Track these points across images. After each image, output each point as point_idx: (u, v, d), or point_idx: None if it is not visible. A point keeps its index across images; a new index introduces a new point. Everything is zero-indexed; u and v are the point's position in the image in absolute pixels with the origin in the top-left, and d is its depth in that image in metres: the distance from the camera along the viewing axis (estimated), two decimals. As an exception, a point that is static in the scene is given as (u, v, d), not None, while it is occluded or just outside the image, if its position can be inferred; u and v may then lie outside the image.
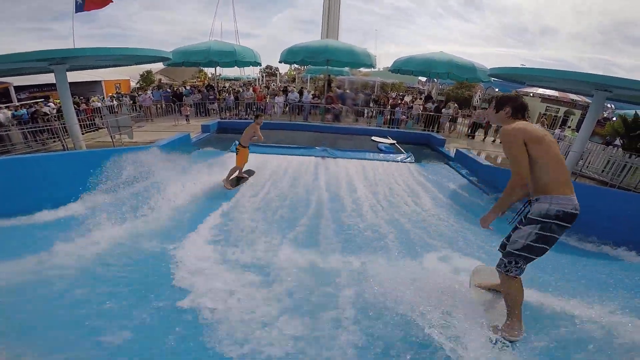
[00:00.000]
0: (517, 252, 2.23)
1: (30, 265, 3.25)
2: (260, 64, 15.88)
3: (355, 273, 3.39)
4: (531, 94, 20.35)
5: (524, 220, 2.27)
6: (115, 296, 2.88)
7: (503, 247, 2.47)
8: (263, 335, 2.49)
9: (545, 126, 12.84)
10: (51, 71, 7.07)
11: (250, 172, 6.85)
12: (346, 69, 19.52)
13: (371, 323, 2.62)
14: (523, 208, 2.39)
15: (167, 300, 2.86)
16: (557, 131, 11.79)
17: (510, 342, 2.30)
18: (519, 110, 2.31)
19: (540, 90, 19.08)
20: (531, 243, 2.17)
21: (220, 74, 23.57)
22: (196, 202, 5.35)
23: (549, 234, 2.12)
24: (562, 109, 18.54)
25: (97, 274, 3.22)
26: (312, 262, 3.59)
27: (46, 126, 8.02)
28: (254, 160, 7.74)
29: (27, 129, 7.98)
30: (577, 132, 10.27)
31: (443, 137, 10.74)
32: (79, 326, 2.52)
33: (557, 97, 19.09)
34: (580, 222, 2.22)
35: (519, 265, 2.25)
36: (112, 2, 16.09)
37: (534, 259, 2.23)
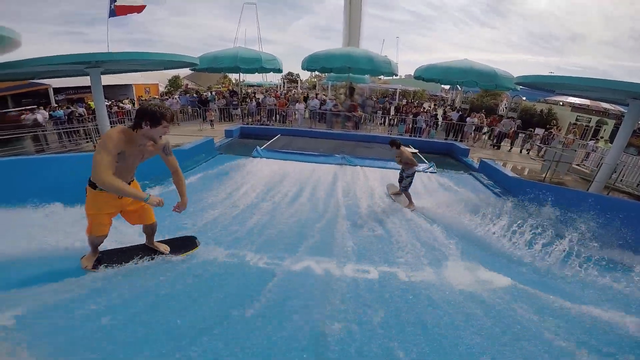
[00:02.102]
0: (407, 185, 5.79)
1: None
2: (281, 71, 16.14)
3: (373, 283, 3.35)
4: (560, 103, 19.64)
5: (404, 176, 5.79)
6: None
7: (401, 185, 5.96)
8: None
9: (577, 137, 12.30)
10: (87, 74, 7.47)
11: (188, 244, 3.59)
12: (366, 76, 19.50)
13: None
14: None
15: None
16: (590, 142, 11.23)
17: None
18: None
19: (571, 99, 18.33)
20: (410, 181, 5.77)
21: (243, 80, 24.15)
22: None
23: (412, 178, 5.79)
24: (594, 119, 17.71)
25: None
26: (326, 270, 3.58)
27: (80, 127, 8.45)
28: (270, 167, 7.83)
29: (62, 129, 8.42)
30: (611, 142, 9.77)
31: (467, 147, 10.49)
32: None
33: (588, 105, 18.25)
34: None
35: (408, 187, 5.80)
36: (142, 10, 16.89)
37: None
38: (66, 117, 9.26)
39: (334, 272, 3.55)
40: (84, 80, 14.92)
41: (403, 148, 5.72)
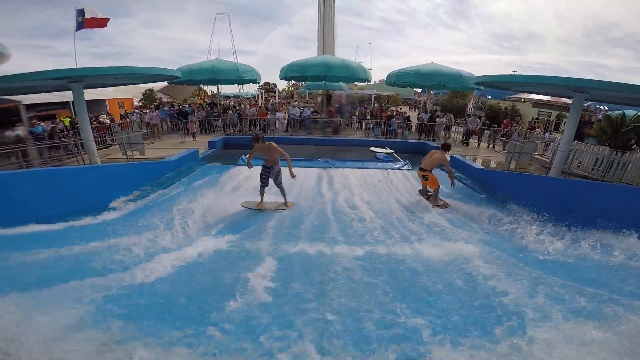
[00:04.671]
0: (282, 182, 5.58)
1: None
2: (259, 81, 16.51)
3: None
4: (523, 100, 20.99)
5: (274, 174, 5.54)
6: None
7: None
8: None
9: (541, 130, 13.47)
10: (63, 89, 7.54)
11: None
12: (341, 83, 20.16)
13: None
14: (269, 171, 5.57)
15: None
16: (546, 134, 12.28)
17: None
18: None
19: (533, 96, 19.72)
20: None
21: (220, 92, 24.25)
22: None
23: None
24: (554, 113, 19.09)
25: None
26: (319, 252, 4.04)
27: (63, 142, 8.47)
28: (257, 173, 8.20)
29: (44, 144, 8.42)
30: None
31: (438, 145, 11.19)
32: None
33: (549, 101, 19.66)
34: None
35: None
36: (106, 25, 17.05)
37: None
38: (45, 133, 9.25)
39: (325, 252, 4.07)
40: (55, 97, 14.73)
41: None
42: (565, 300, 3.25)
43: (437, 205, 6.18)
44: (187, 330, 2.78)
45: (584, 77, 6.36)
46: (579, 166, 9.22)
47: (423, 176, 6.36)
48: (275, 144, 5.31)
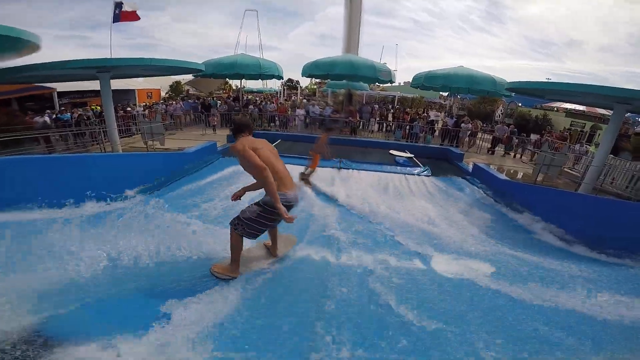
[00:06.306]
0: (243, 219, 2.92)
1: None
2: (282, 77, 16.51)
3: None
4: (555, 109, 19.99)
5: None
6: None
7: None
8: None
9: (569, 141, 12.66)
10: (93, 78, 7.78)
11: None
12: (361, 82, 19.84)
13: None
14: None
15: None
16: (577, 146, 11.55)
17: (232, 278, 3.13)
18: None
19: (566, 105, 18.68)
20: (255, 218, 2.91)
21: (244, 86, 24.42)
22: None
23: (268, 215, 2.90)
24: (589, 124, 18.04)
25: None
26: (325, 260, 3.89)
27: (89, 129, 8.75)
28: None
29: (69, 131, 8.72)
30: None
31: (461, 152, 10.78)
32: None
33: (584, 111, 18.57)
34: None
35: (243, 228, 2.94)
36: (139, 19, 17.63)
37: (258, 229, 2.98)
38: (74, 120, 9.59)
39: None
40: (88, 85, 15.31)
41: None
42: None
43: (307, 185, 6.66)
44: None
45: (628, 88, 5.78)
46: (612, 183, 8.61)
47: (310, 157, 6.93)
48: (237, 145, 2.91)
